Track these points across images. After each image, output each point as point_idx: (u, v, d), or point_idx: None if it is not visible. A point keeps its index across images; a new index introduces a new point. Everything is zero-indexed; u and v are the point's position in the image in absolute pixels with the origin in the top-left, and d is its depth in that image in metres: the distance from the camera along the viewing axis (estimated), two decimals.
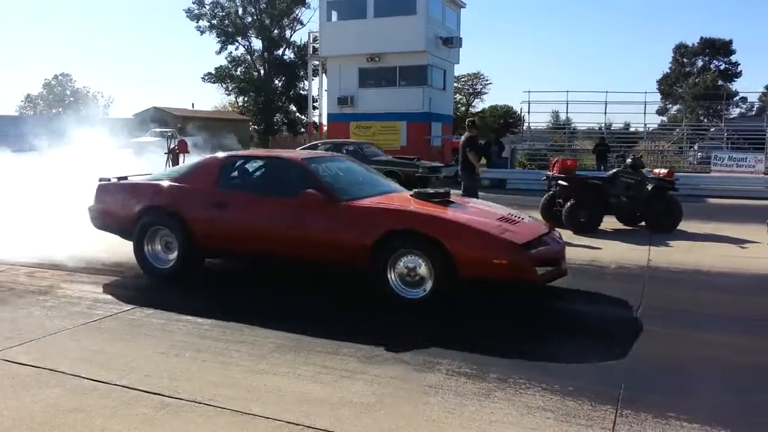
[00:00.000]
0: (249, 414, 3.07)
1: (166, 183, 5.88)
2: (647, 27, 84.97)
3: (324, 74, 27.89)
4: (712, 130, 37.39)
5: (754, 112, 64.90)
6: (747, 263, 7.08)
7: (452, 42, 24.30)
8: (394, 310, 4.83)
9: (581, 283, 5.71)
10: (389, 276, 4.86)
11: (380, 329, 4.45)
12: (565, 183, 9.34)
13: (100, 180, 6.23)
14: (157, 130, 26.52)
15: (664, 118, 61.60)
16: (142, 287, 5.65)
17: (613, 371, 3.70)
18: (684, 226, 9.46)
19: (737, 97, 64.47)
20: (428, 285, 4.75)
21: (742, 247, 8.04)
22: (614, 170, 9.99)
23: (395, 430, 2.94)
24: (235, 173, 6.00)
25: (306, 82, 36.86)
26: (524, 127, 26.27)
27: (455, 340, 4.20)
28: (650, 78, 75.19)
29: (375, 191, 5.61)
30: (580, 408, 3.16)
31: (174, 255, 5.70)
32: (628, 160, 9.92)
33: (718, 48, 64.65)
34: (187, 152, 11.73)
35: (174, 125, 29.25)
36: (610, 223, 9.53)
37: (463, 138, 9.60)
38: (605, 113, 28.30)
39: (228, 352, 3.94)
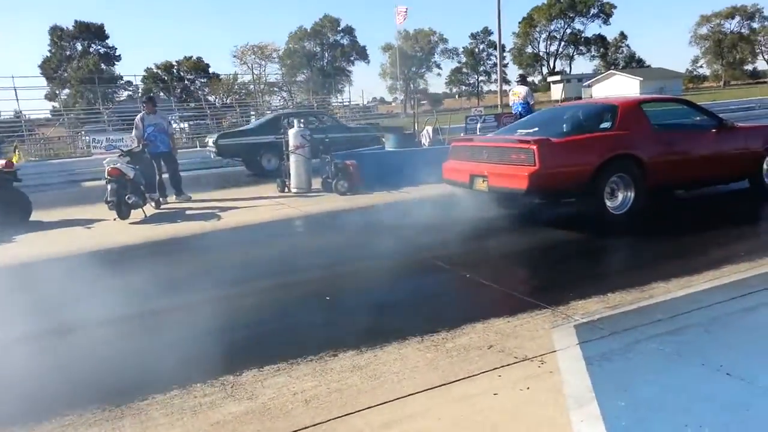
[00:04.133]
0: None
1: (618, 133, 6.59)
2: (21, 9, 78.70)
3: None
4: (107, 113, 38.60)
5: (140, 94, 70.15)
6: (93, 242, 7.31)
7: None
8: None
9: None
10: None
11: None
12: None
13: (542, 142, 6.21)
14: None
15: (56, 104, 59.53)
16: None
17: None
18: (41, 215, 9.15)
19: (123, 81, 68.21)
20: None
21: (89, 228, 8.30)
22: None
23: None
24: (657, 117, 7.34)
25: None
26: None
27: None
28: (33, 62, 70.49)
29: None
30: None
31: (619, 200, 6.52)
32: None
33: (93, 32, 66.19)
34: None
35: None
36: None
37: None
38: None
39: None
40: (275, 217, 8.07)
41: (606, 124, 6.76)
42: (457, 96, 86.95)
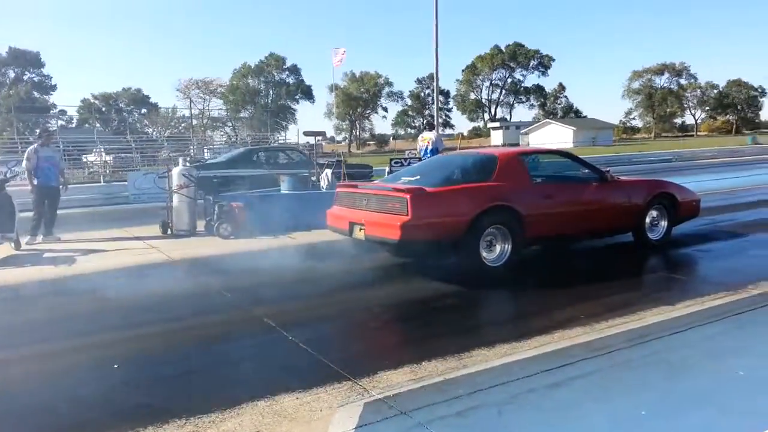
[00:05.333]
0: None
1: (495, 184, 6.45)
2: None
3: None
4: (22, 144, 36.77)
5: (74, 124, 67.91)
6: None
7: None
8: None
9: None
10: None
11: None
12: None
13: (415, 191, 6.11)
14: None
15: None
16: None
17: None
18: None
19: (57, 110, 65.92)
20: None
21: None
22: None
23: None
24: (538, 169, 7.36)
25: None
26: None
27: None
28: None
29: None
30: None
31: (497, 252, 6.32)
32: None
33: (28, 59, 63.95)
34: None
35: None
36: None
37: None
38: None
39: None
40: (134, 263, 7.41)
41: (485, 175, 6.64)
42: (391, 138, 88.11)
